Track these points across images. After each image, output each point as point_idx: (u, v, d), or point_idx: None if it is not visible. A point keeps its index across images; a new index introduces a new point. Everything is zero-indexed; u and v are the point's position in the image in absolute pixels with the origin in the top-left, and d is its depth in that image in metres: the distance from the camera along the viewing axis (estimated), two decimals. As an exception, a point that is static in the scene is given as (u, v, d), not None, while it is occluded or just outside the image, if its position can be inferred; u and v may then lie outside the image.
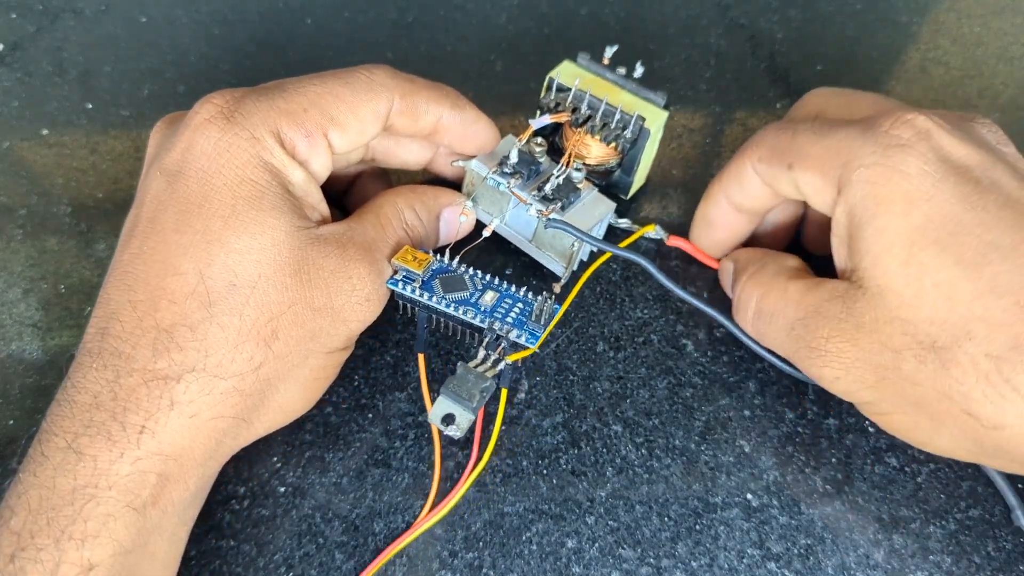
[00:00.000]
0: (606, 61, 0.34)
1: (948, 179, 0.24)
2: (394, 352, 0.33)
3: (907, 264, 0.24)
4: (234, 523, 0.29)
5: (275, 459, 0.30)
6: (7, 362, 0.32)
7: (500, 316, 0.29)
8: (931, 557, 0.28)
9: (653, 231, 0.35)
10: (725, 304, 0.32)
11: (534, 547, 0.28)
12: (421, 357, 0.31)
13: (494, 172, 0.32)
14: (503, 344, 0.28)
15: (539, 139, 0.32)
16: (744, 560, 0.28)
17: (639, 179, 0.36)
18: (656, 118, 0.33)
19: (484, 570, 0.28)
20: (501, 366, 0.28)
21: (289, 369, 0.26)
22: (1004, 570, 0.27)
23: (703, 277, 0.35)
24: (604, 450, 0.30)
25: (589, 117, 0.33)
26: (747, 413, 0.31)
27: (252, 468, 0.30)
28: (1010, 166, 0.25)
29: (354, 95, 0.28)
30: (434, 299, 0.29)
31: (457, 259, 0.30)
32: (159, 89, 0.42)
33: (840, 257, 0.27)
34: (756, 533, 0.28)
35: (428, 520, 0.28)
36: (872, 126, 0.26)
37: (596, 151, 0.35)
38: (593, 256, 0.35)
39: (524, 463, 0.30)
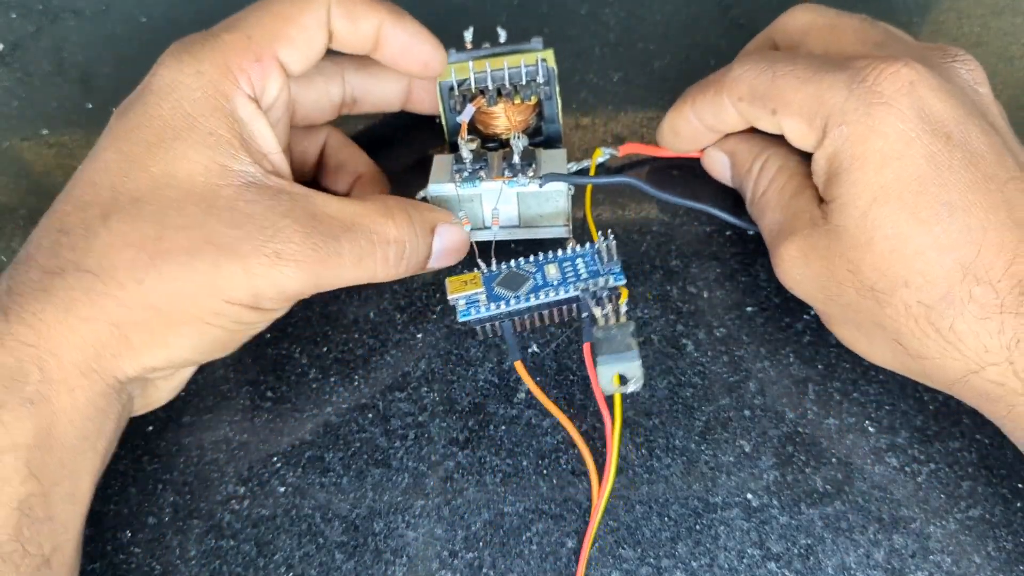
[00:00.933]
0: (469, 45, 0.34)
1: (922, 137, 0.26)
2: (394, 352, 0.33)
3: (865, 216, 0.26)
4: (234, 523, 0.29)
5: (275, 459, 0.30)
6: (7, 362, 0.32)
7: (576, 278, 0.29)
8: (931, 557, 0.28)
9: (601, 155, 0.37)
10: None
11: (534, 547, 0.28)
12: (519, 364, 0.30)
13: (460, 182, 0.32)
14: (601, 294, 0.29)
15: (470, 135, 0.33)
16: (744, 560, 0.28)
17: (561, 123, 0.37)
18: (548, 54, 0.33)
19: (484, 570, 0.28)
20: (624, 308, 0.28)
21: (179, 300, 0.25)
22: (1004, 570, 0.27)
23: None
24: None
25: (500, 88, 0.33)
26: (747, 413, 0.31)
27: (252, 468, 0.30)
28: (982, 117, 0.27)
29: (292, 6, 0.28)
30: (512, 303, 0.29)
31: (494, 261, 0.31)
32: (159, 89, 0.42)
33: (818, 187, 0.29)
34: (756, 533, 0.28)
35: (603, 495, 0.28)
36: (856, 78, 0.27)
37: (517, 116, 0.35)
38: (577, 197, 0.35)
39: (524, 463, 0.30)
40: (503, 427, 0.31)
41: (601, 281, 0.29)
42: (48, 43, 0.44)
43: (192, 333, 0.26)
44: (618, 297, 0.29)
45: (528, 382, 0.30)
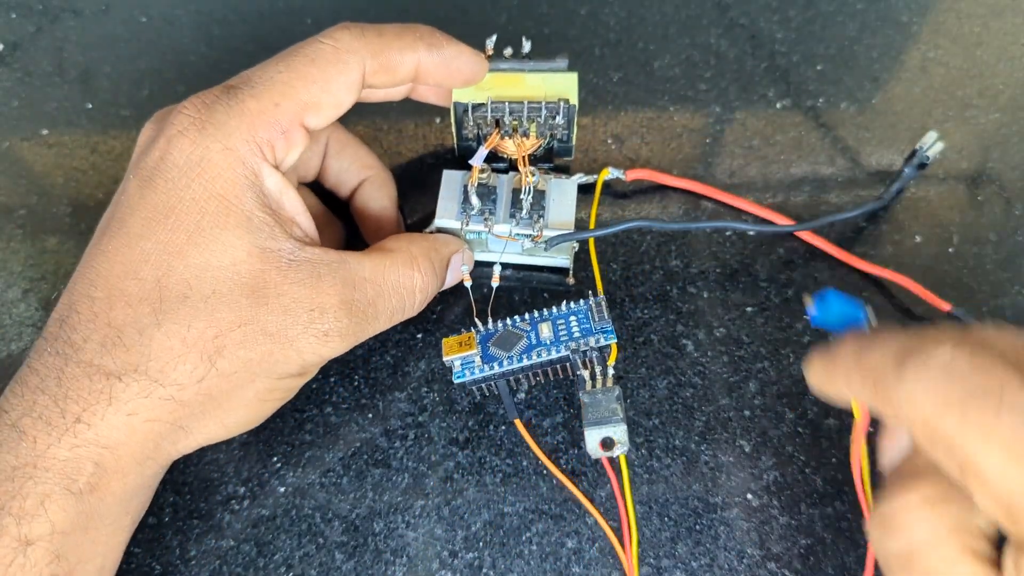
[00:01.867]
0: (490, 52, 0.32)
1: None
2: (394, 352, 0.33)
3: None
4: (234, 523, 0.29)
5: (275, 459, 0.30)
6: (7, 362, 0.32)
7: (568, 337, 0.29)
8: (931, 557, 0.28)
9: (608, 174, 0.36)
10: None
11: (534, 547, 0.28)
12: (518, 422, 0.30)
13: (467, 225, 0.32)
14: (591, 354, 0.29)
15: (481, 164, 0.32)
16: (744, 560, 0.28)
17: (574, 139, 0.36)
18: (571, 86, 0.32)
19: (484, 570, 0.28)
20: (611, 370, 0.28)
21: (234, 387, 0.26)
22: (1004, 570, 0.27)
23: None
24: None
25: (516, 124, 0.33)
26: (747, 413, 0.31)
27: (252, 468, 0.30)
28: None
29: (322, 71, 0.27)
30: (505, 363, 0.29)
31: (490, 320, 0.31)
32: (159, 89, 0.42)
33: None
34: (756, 533, 0.28)
35: (632, 556, 0.28)
36: None
37: (530, 142, 0.34)
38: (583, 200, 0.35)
39: (524, 463, 0.30)
40: (503, 427, 0.31)
41: (594, 340, 0.29)
42: (48, 43, 0.44)
43: (245, 409, 0.27)
44: (608, 356, 0.29)
45: (529, 442, 0.30)
